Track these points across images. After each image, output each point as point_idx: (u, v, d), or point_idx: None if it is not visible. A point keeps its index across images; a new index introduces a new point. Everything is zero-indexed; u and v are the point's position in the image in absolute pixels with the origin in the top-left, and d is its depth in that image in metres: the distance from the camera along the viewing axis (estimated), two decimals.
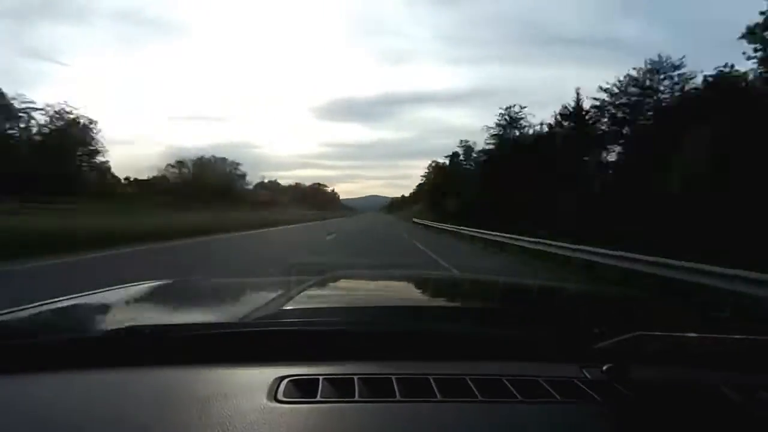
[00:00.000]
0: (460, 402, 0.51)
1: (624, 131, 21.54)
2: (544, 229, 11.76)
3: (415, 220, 34.87)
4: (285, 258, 7.73)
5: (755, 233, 8.12)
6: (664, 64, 20.73)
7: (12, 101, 31.73)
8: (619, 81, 21.62)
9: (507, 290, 1.35)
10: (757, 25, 15.34)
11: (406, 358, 0.62)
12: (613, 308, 1.14)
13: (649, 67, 20.96)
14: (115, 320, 0.85)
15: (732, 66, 16.60)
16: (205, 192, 41.00)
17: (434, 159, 61.22)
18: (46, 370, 0.58)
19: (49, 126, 34.67)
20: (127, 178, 44.38)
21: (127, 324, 0.75)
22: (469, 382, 0.55)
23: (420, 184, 68.97)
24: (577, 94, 22.83)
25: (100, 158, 37.03)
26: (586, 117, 21.98)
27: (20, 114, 33.01)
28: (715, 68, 17.10)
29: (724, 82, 16.17)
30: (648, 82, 21.32)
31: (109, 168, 38.87)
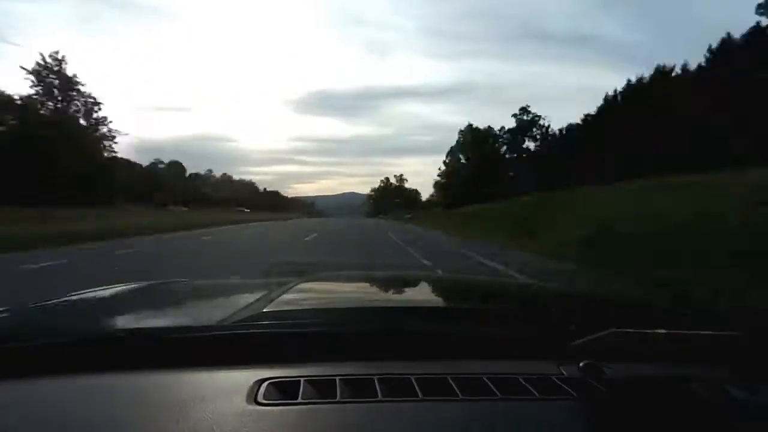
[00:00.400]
0: (441, 401, 0.52)
1: None
2: None
3: None
4: None
5: None
6: None
7: None
8: None
9: (486, 289, 1.37)
10: None
11: (387, 359, 0.63)
12: (588, 307, 1.17)
13: None
14: (90, 324, 0.83)
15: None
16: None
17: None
18: (14, 377, 0.56)
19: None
20: None
21: (101, 328, 0.73)
22: (450, 381, 0.56)
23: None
24: None
25: None
26: None
27: None
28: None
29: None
30: None
31: None
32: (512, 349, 0.67)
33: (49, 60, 34.92)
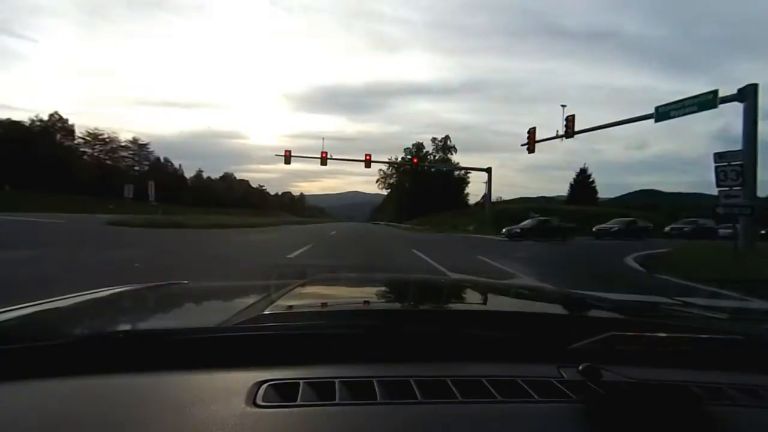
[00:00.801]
0: (440, 403, 0.52)
1: None
2: None
3: None
4: None
5: None
6: None
7: None
8: None
9: (486, 292, 1.37)
10: None
11: (387, 361, 0.63)
12: (588, 309, 1.17)
13: None
14: (88, 326, 0.83)
15: None
16: None
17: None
18: (14, 379, 0.56)
19: None
20: None
21: (100, 330, 0.72)
22: (450, 384, 0.56)
23: None
24: None
25: None
26: None
27: None
28: None
29: None
30: None
31: None
32: (512, 352, 0.67)
33: None
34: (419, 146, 72.30)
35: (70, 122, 74.76)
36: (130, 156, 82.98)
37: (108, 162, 77.35)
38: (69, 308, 0.96)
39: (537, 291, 1.96)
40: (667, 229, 28.71)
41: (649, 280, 7.77)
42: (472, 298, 1.30)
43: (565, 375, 0.60)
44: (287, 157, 31.90)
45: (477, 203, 59.65)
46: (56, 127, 72.23)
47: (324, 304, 1.04)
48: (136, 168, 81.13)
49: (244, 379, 0.55)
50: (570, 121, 21.42)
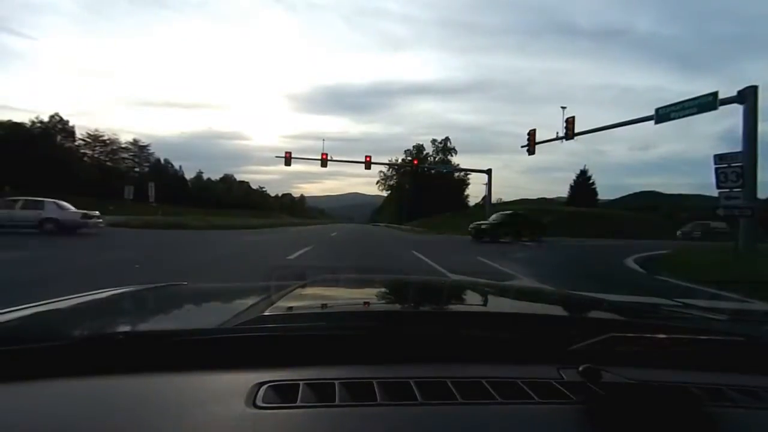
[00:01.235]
0: (440, 405, 0.52)
1: None
2: None
3: None
4: None
5: None
6: None
7: None
8: None
9: (486, 293, 1.37)
10: None
11: (387, 362, 0.63)
12: (588, 311, 1.18)
13: None
14: (88, 327, 0.83)
15: None
16: None
17: None
18: (15, 380, 0.56)
19: None
20: None
21: (100, 331, 0.73)
22: (450, 385, 0.56)
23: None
24: None
25: None
26: None
27: None
28: None
29: None
30: None
31: None
32: (512, 353, 0.67)
33: None
34: (419, 148, 72.48)
35: (70, 124, 75.03)
36: (131, 157, 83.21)
37: (108, 163, 77.55)
38: (69, 309, 0.96)
39: (536, 292, 1.96)
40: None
41: (650, 281, 7.77)
42: (472, 299, 1.30)
43: (565, 376, 0.60)
44: (287, 159, 31.88)
45: (477, 204, 59.70)
46: (57, 129, 72.34)
47: (324, 306, 1.04)
48: (137, 169, 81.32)
49: (244, 380, 0.55)
50: (570, 122, 21.42)
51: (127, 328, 0.81)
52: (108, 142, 78.77)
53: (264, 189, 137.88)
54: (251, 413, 0.49)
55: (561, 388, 0.56)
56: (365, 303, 1.11)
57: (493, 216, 21.54)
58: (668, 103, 15.77)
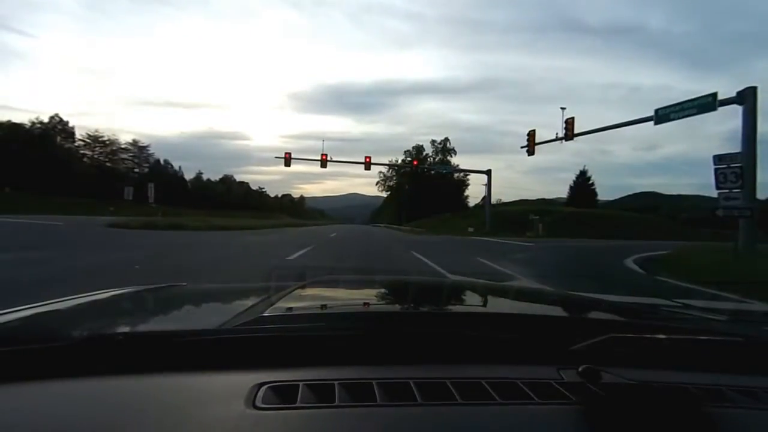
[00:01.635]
0: (440, 405, 0.52)
1: None
2: None
3: None
4: None
5: None
6: None
7: None
8: None
9: (486, 293, 1.37)
10: None
11: (387, 363, 0.63)
12: (588, 311, 1.18)
13: None
14: (88, 328, 0.83)
15: None
16: None
17: None
18: (12, 380, 0.56)
19: None
20: None
21: (100, 331, 0.73)
22: (450, 386, 0.56)
23: None
24: None
25: None
26: None
27: None
28: None
29: None
30: None
31: None
32: (512, 354, 0.67)
33: None
34: (419, 149, 72.46)
35: (70, 124, 75.20)
36: (130, 158, 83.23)
37: (108, 164, 77.60)
38: (69, 310, 0.96)
39: (536, 293, 1.96)
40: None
41: (649, 282, 7.78)
42: (472, 299, 1.30)
43: (564, 377, 0.60)
44: (287, 160, 31.93)
45: (476, 205, 59.74)
46: (56, 130, 72.44)
47: (323, 306, 1.04)
48: (136, 170, 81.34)
49: (243, 380, 0.56)
50: (570, 123, 21.44)
51: (127, 329, 0.81)
52: (107, 142, 78.91)
53: (264, 190, 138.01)
54: (251, 414, 0.49)
55: (560, 388, 0.56)
56: (365, 304, 1.11)
57: None
58: (671, 103, 15.77)
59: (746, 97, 12.81)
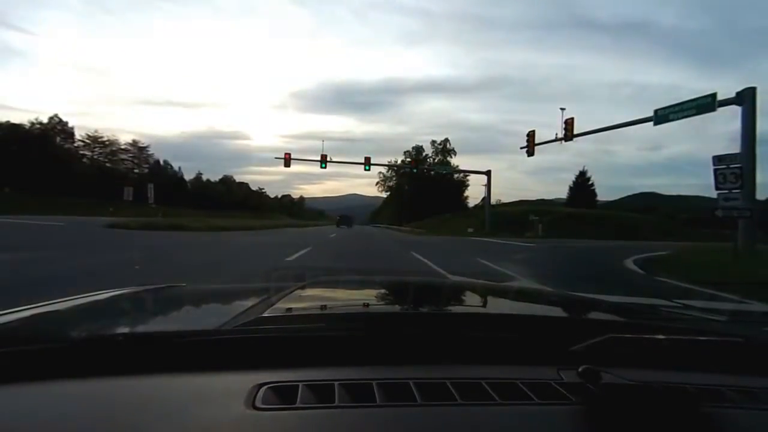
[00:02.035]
0: (440, 406, 0.52)
1: None
2: None
3: None
4: None
5: None
6: None
7: None
8: None
9: (485, 294, 1.37)
10: None
11: (386, 363, 0.63)
12: (588, 312, 1.18)
13: None
14: (87, 328, 0.83)
15: None
16: None
17: None
18: (12, 381, 0.56)
19: None
20: None
21: (99, 332, 0.73)
22: (450, 386, 0.56)
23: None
24: None
25: None
26: None
27: None
28: None
29: None
30: None
31: None
32: (511, 354, 0.67)
33: None
34: (419, 149, 72.44)
35: (69, 125, 75.20)
36: (130, 159, 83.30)
37: (108, 164, 77.65)
38: (69, 311, 0.96)
39: (536, 293, 1.96)
40: None
41: (649, 282, 7.78)
42: (471, 300, 1.30)
43: (564, 377, 0.60)
44: (287, 160, 31.95)
45: (476, 206, 59.74)
46: (56, 130, 72.47)
47: (323, 307, 1.04)
48: (136, 171, 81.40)
49: (243, 381, 0.56)
50: (569, 123, 21.46)
51: (126, 330, 0.81)
52: (107, 143, 79.02)
53: (263, 190, 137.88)
54: (250, 414, 0.49)
55: (560, 389, 0.57)
56: (364, 304, 1.11)
57: None
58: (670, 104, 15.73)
59: (745, 98, 12.83)
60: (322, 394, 0.53)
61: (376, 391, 0.54)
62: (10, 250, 8.58)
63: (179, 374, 0.58)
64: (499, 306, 1.23)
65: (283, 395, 0.53)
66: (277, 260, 8.87)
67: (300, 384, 0.55)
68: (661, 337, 0.66)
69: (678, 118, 15.27)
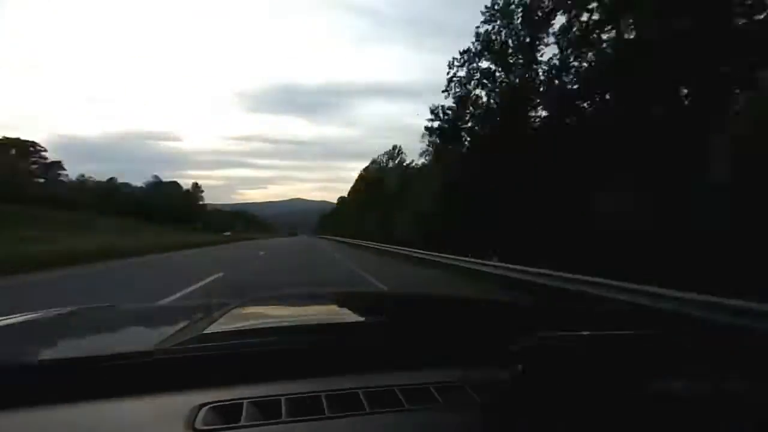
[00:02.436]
0: (388, 412, 0.53)
1: None
2: None
3: None
4: None
5: None
6: None
7: None
8: None
9: (426, 302, 1.42)
10: None
11: (334, 374, 0.63)
12: (521, 314, 1.25)
13: None
14: (13, 354, 0.74)
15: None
16: None
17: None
18: None
19: None
20: None
21: (20, 359, 0.66)
22: (398, 393, 0.57)
23: None
24: None
25: None
26: None
27: None
28: None
29: None
30: None
31: None
32: (454, 358, 0.70)
33: None
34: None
35: None
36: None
37: None
38: None
39: (468, 299, 2.07)
40: None
41: None
42: (413, 309, 1.34)
43: (503, 377, 0.63)
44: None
45: None
46: None
47: (264, 322, 1.02)
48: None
49: (182, 402, 0.54)
50: None
51: (56, 355, 0.73)
52: None
53: (202, 191, 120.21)
54: None
55: (501, 388, 0.60)
56: (307, 317, 1.11)
57: None
58: None
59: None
60: (268, 410, 0.52)
61: (324, 402, 0.54)
62: None
63: (112, 400, 0.55)
64: (441, 312, 1.27)
65: (227, 414, 0.51)
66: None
67: (245, 401, 0.54)
68: (585, 333, 0.68)
69: None
